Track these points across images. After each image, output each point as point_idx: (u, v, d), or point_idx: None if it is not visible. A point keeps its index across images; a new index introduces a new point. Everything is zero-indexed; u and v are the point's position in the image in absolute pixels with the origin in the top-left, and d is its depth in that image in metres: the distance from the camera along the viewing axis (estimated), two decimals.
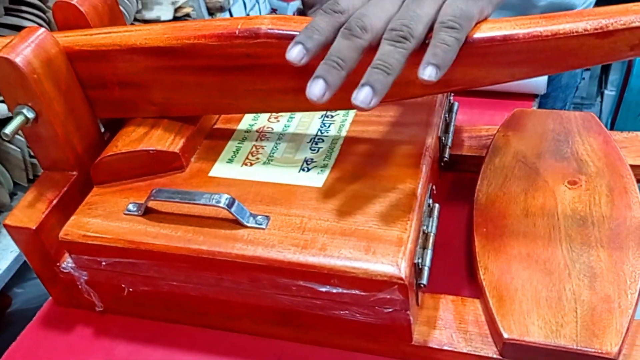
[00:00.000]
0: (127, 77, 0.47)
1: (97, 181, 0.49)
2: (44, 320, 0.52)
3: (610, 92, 1.78)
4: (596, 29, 0.36)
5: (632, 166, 0.51)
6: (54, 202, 0.47)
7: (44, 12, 0.95)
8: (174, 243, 0.43)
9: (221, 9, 1.41)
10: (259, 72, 0.44)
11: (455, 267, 0.50)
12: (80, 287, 0.49)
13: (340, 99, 0.44)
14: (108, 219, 0.45)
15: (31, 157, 0.94)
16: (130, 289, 0.47)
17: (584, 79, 1.77)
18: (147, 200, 0.44)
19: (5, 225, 0.47)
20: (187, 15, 1.25)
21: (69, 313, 0.52)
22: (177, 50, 0.45)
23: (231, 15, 1.48)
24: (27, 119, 0.45)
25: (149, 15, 1.18)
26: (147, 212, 0.45)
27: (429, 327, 0.44)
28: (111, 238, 0.44)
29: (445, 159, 0.52)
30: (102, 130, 0.53)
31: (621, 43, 0.36)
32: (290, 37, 0.42)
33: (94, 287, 0.49)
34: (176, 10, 1.24)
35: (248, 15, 1.58)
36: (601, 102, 1.84)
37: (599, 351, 0.39)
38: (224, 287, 0.44)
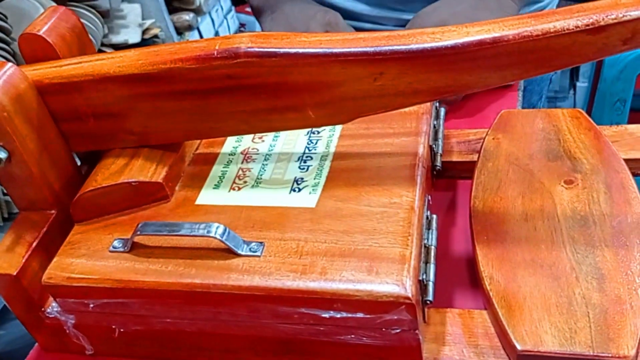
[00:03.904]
0: (102, 107, 0.45)
1: (77, 218, 0.46)
2: None
3: (582, 84, 1.80)
4: (587, 25, 0.35)
5: (625, 160, 0.50)
6: (34, 244, 0.45)
7: (8, 44, 0.92)
8: (165, 279, 0.41)
9: (189, 27, 1.38)
10: (241, 93, 0.43)
11: (456, 278, 0.49)
12: (67, 331, 0.46)
13: (328, 115, 0.43)
14: (93, 258, 0.43)
15: (5, 194, 0.91)
16: (122, 330, 0.45)
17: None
18: (133, 235, 0.42)
19: None
20: (156, 36, 1.22)
21: (57, 359, 0.49)
22: (153, 76, 0.43)
23: (200, 33, 1.46)
24: None
25: (116, 39, 1.16)
26: (134, 248, 0.43)
27: (438, 344, 0.42)
28: (98, 278, 0.42)
29: (438, 167, 0.51)
30: (79, 163, 0.51)
31: (614, 38, 0.35)
32: (272, 55, 0.40)
33: (83, 330, 0.46)
34: (144, 32, 1.21)
35: (217, 32, 1.56)
36: (574, 94, 1.85)
37: (616, 355, 0.37)
38: (222, 320, 0.42)
